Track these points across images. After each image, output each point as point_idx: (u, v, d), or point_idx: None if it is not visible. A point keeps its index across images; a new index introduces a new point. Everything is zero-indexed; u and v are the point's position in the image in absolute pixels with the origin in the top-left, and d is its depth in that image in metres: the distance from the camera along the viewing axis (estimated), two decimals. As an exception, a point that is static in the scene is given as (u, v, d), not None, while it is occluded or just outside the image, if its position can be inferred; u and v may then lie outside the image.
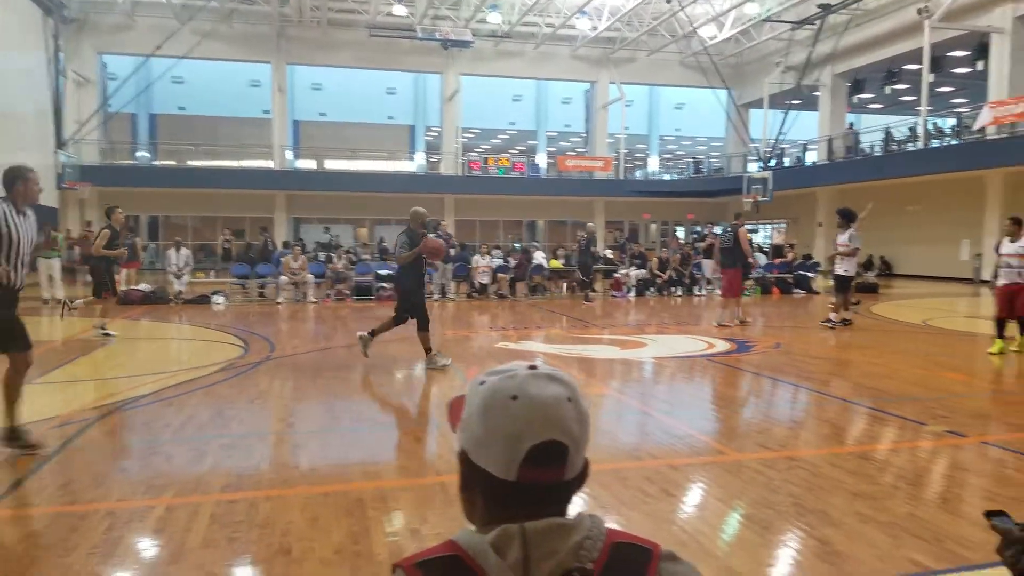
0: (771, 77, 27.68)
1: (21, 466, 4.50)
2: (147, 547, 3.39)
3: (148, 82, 26.93)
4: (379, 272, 16.90)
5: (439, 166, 31.26)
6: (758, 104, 29.76)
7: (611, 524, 0.98)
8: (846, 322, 11.67)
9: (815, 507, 3.84)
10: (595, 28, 27.92)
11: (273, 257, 18.26)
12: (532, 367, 1.01)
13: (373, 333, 8.07)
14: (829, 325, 11.54)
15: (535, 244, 23.43)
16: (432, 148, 35.72)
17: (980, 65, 21.72)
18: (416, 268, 7.90)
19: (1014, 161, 19.42)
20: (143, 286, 15.75)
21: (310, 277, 16.10)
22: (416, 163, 35.47)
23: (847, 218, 11.54)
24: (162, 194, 27.84)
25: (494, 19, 27.71)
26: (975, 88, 26.17)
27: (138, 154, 32.43)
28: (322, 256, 20.18)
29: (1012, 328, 8.87)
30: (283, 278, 15.93)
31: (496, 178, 30.12)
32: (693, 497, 4.15)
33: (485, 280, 17.48)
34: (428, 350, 7.84)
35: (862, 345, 10.03)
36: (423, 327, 7.85)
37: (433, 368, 7.75)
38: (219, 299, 15.72)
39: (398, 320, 7.89)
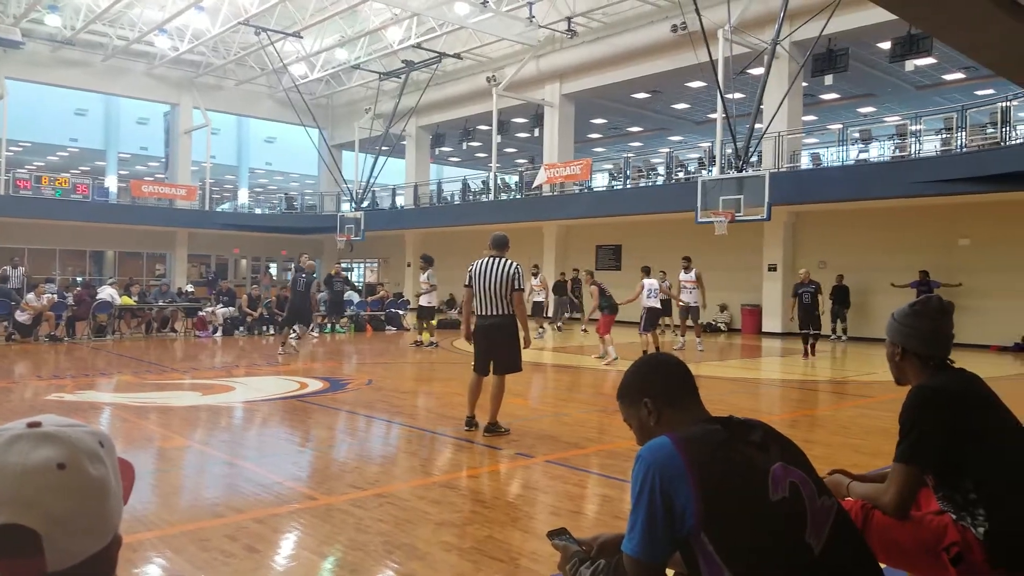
0: (361, 122, 28.71)
1: None
2: None
3: None
4: None
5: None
6: (350, 146, 30.60)
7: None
8: (432, 344, 14.61)
9: (403, 542, 3.83)
10: (176, 48, 25.95)
11: None
12: (34, 424, 0.77)
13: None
14: (416, 346, 14.53)
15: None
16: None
17: (537, 132, 25.36)
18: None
19: (564, 214, 22.98)
20: None
21: None
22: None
23: (428, 262, 14.65)
24: None
25: (53, 22, 24.10)
26: (534, 151, 30.46)
27: None
28: None
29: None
30: None
31: (52, 200, 25.76)
32: (280, 550, 3.85)
33: (25, 319, 14.74)
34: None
35: (444, 377, 10.72)
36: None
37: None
38: None
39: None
